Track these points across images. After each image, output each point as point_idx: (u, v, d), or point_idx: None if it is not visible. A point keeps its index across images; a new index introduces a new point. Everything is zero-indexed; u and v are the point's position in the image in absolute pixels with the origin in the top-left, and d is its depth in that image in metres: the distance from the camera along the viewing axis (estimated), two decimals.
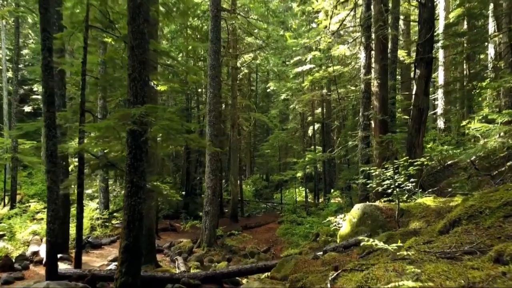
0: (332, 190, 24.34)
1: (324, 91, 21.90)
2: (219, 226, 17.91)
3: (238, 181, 22.20)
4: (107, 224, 14.23)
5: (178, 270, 10.91)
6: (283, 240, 16.01)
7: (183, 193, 25.65)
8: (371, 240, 2.77)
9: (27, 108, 29.88)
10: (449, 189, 10.88)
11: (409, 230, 5.97)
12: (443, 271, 2.74)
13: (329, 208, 15.79)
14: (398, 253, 3.98)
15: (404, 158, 7.41)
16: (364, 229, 7.39)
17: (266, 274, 7.65)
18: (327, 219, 9.38)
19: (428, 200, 7.66)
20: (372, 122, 12.19)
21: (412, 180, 7.97)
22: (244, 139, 34.80)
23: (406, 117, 19.54)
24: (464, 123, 19.42)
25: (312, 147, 26.72)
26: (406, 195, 8.28)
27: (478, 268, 2.71)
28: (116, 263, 10.65)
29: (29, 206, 17.30)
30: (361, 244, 6.62)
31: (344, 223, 8.14)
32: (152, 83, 9.79)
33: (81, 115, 8.07)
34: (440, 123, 22.38)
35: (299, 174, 20.41)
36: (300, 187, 27.50)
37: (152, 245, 10.42)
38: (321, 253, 7.74)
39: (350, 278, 3.56)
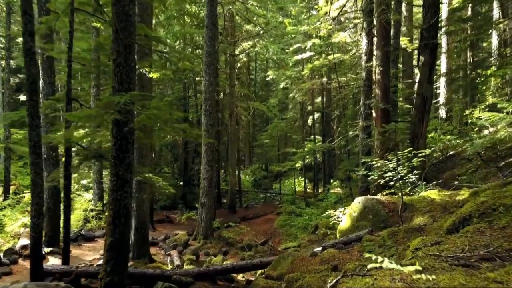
0: (331, 180, 24.02)
1: (324, 79, 21.40)
2: (217, 217, 17.60)
3: (236, 171, 21.85)
4: (101, 216, 13.88)
5: (171, 264, 10.61)
6: (281, 232, 15.71)
7: (181, 183, 25.33)
8: (379, 259, 2.35)
9: (23, 97, 29.37)
10: (455, 181, 10.52)
11: (413, 226, 5.59)
12: (460, 285, 2.35)
13: (329, 199, 15.45)
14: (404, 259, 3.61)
15: (408, 149, 7.01)
16: (365, 224, 7.03)
17: (261, 271, 7.32)
18: (327, 213, 9.02)
19: (433, 194, 7.29)
20: (374, 111, 11.77)
21: (415, 172, 7.59)
22: (243, 129, 34.36)
23: (408, 106, 19.12)
24: (467, 112, 19.06)
25: (312, 137, 26.33)
26: (409, 188, 7.90)
27: (502, 282, 2.32)
28: None
29: (23, 197, 16.96)
30: (362, 240, 6.27)
31: (344, 217, 7.78)
32: (144, 70, 9.34)
33: (67, 104, 7.62)
34: (442, 113, 21.94)
35: (298, 165, 20.05)
36: (300, 177, 27.17)
37: (145, 238, 10.08)
38: (320, 249, 7.39)
39: (351, 286, 3.18)
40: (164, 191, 8.64)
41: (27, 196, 16.90)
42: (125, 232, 5.54)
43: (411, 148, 7.13)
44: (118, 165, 5.52)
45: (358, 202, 7.38)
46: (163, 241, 12.79)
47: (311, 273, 5.17)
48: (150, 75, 9.20)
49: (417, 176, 7.72)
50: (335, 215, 8.63)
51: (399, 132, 6.32)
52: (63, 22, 8.52)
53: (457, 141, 17.47)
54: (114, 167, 5.52)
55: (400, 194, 7.89)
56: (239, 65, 27.93)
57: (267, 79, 32.15)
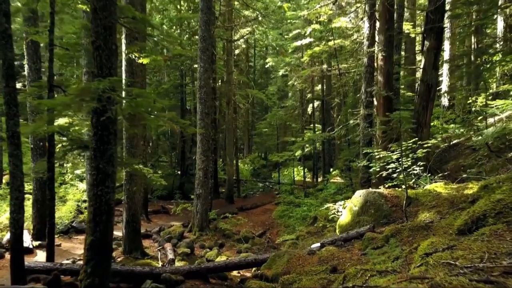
0: (331, 170, 23.60)
1: (324, 66, 20.81)
2: (214, 207, 17.22)
3: (234, 161, 21.42)
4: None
5: (165, 258, 10.24)
6: (279, 223, 15.35)
7: (179, 172, 24.93)
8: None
9: (18, 85, 28.82)
10: (460, 173, 10.09)
11: (419, 223, 5.17)
12: None
13: (328, 189, 15.06)
14: (413, 266, 3.18)
15: (413, 140, 6.56)
16: (366, 219, 6.61)
17: (255, 268, 6.94)
18: (326, 206, 8.61)
19: (439, 187, 6.86)
20: (375, 99, 11.28)
21: (419, 163, 7.16)
22: (241, 117, 33.84)
23: (411, 94, 18.59)
24: (471, 100, 18.54)
25: (311, 125, 25.84)
26: (413, 180, 7.46)
27: None
28: None
29: None
30: (364, 237, 5.86)
31: (344, 211, 7.36)
32: (133, 55, 8.82)
33: (50, 91, 7.15)
34: (445, 101, 21.43)
35: (298, 153, 19.59)
36: (299, 166, 26.76)
37: (137, 231, 9.69)
38: (318, 245, 7.00)
39: None
40: (156, 183, 8.19)
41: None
42: (107, 230, 5.12)
43: (416, 139, 6.67)
44: (98, 158, 5.06)
45: (359, 196, 6.95)
46: (157, 233, 12.42)
47: (308, 275, 4.76)
48: (140, 61, 8.68)
49: (422, 167, 7.29)
50: (334, 209, 8.21)
51: (404, 122, 5.84)
52: (46, 3, 8.00)
53: (461, 130, 17.01)
54: (94, 159, 5.07)
55: (403, 187, 7.48)
56: (237, 52, 27.30)
57: (266, 66, 31.47)
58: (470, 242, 3.38)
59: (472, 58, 20.94)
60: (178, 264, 7.63)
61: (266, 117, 26.95)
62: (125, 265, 6.75)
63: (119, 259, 9.33)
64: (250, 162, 31.73)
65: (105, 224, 5.10)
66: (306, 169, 25.05)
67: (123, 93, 6.17)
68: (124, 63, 9.37)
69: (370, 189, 6.99)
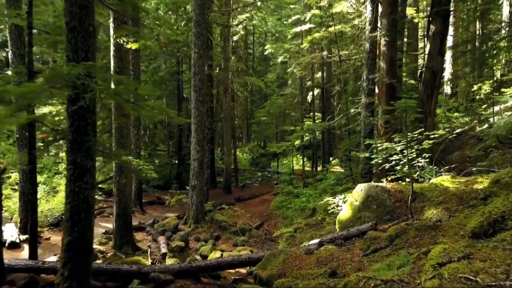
0: (331, 159, 23.18)
1: (324, 53, 20.21)
2: (211, 198, 16.84)
3: (232, 150, 20.99)
4: None
5: (156, 252, 9.88)
6: (277, 214, 14.98)
7: (176, 162, 24.53)
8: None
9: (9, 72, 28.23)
10: (466, 164, 9.65)
11: (426, 222, 4.74)
12: None
13: (327, 180, 14.64)
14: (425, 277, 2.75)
15: (419, 130, 6.10)
16: (368, 215, 6.19)
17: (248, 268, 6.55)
18: (325, 200, 8.19)
19: (446, 180, 6.42)
20: (377, 86, 10.78)
21: (424, 155, 6.72)
22: (240, 106, 33.30)
23: (413, 81, 18.05)
24: (475, 87, 17.99)
25: (311, 114, 25.32)
26: (417, 173, 7.01)
27: None
28: None
29: (9, 177, 16.15)
30: (366, 236, 5.45)
31: (344, 206, 6.94)
32: (121, 40, 8.31)
33: (29, 78, 6.65)
34: (447, 89, 20.91)
35: (297, 142, 19.11)
36: (298, 155, 26.33)
37: (128, 225, 9.30)
38: (316, 241, 6.60)
39: None
40: (146, 175, 7.77)
41: (14, 175, 16.08)
42: (86, 230, 4.69)
43: (422, 129, 6.21)
44: (75, 151, 4.61)
45: (360, 190, 6.52)
46: (151, 225, 12.04)
47: (305, 279, 4.35)
48: (129, 46, 8.17)
49: (427, 159, 6.86)
50: (334, 203, 7.79)
51: (410, 111, 5.39)
52: None
53: (465, 119, 16.47)
54: (71, 153, 4.62)
55: (408, 180, 7.04)
56: (235, 38, 26.61)
57: (265, 53, 30.81)
58: (489, 250, 2.94)
59: (477, 44, 20.36)
60: (169, 261, 7.25)
61: (265, 105, 26.41)
62: (112, 263, 6.36)
63: (109, 254, 8.98)
64: (249, 151, 31.29)
65: (84, 223, 4.68)
66: (305, 158, 24.63)
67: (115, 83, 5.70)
68: (112, 48, 8.86)
69: (372, 183, 6.56)
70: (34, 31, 7.11)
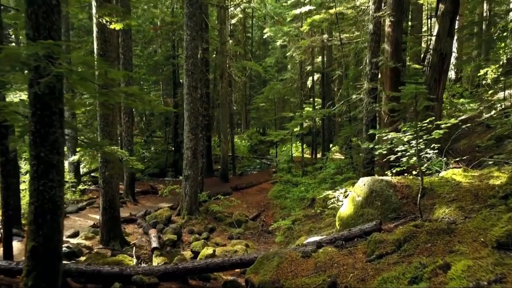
0: (331, 145, 22.59)
1: (325, 36, 19.41)
2: (208, 186, 16.34)
3: (229, 137, 20.39)
4: (74, 189, 12.54)
5: (147, 247, 9.39)
6: (275, 204, 14.48)
7: (173, 148, 23.95)
8: None
9: None
10: (476, 154, 9.09)
11: (439, 224, 4.18)
12: None
13: (327, 169, 14.09)
14: None
15: (429, 119, 5.50)
16: (371, 212, 5.64)
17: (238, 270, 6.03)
18: (324, 194, 7.64)
19: (457, 174, 5.85)
20: (380, 71, 10.15)
21: (433, 145, 6.12)
22: (239, 91, 32.56)
23: (417, 66, 17.33)
24: (482, 72, 17.29)
25: (311, 99, 24.61)
26: (425, 165, 6.41)
27: None
28: (75, 239, 9.10)
29: None
30: (369, 238, 4.90)
31: (346, 201, 6.38)
32: (104, 20, 7.64)
33: None
34: (451, 73, 20.19)
35: (296, 129, 18.43)
36: (297, 142, 25.74)
37: (116, 219, 8.77)
38: (315, 241, 6.06)
39: None
40: (132, 168, 7.21)
41: None
42: (53, 234, 4.14)
43: (433, 117, 5.60)
44: (39, 144, 4.02)
45: (363, 184, 5.95)
46: (143, 217, 11.53)
47: None
48: (112, 26, 7.51)
49: (436, 151, 6.26)
50: (333, 197, 7.23)
51: (421, 98, 4.78)
52: None
53: (471, 105, 15.80)
54: (34, 146, 4.03)
55: (415, 173, 6.47)
56: (234, 21, 25.75)
57: (264, 37, 29.95)
58: None
59: (484, 27, 19.59)
60: (156, 260, 6.74)
61: (263, 91, 25.68)
62: (92, 264, 5.85)
63: (95, 249, 8.49)
64: (248, 138, 30.66)
65: (51, 226, 4.12)
66: (305, 145, 24.00)
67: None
68: (95, 29, 8.19)
69: (377, 177, 5.99)
70: None
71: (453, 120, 5.56)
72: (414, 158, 5.94)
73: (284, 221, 10.59)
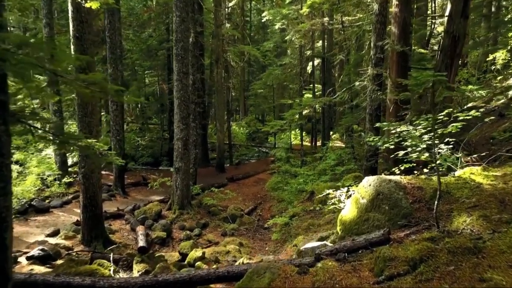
0: (331, 133, 21.86)
1: (326, 19, 18.44)
2: (203, 177, 15.69)
3: (226, 125, 19.64)
4: (59, 182, 11.83)
5: (133, 246, 8.75)
6: (272, 196, 13.83)
7: (168, 136, 23.22)
8: None
9: None
10: (490, 147, 8.35)
11: (461, 241, 3.46)
12: None
13: (327, 160, 13.38)
14: None
15: (447, 111, 4.75)
16: (378, 217, 4.94)
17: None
18: (323, 193, 6.93)
19: (476, 173, 5.13)
20: (387, 55, 9.33)
21: (447, 140, 5.40)
22: (237, 77, 31.64)
23: (422, 50, 16.46)
24: (491, 57, 16.44)
25: (311, 85, 23.76)
26: (438, 161, 5.67)
27: None
28: (54, 239, 8.43)
29: None
30: (377, 253, 4.21)
31: (348, 203, 5.67)
32: None
33: None
34: None
35: (296, 117, 17.61)
36: (296, 129, 24.99)
37: (98, 217, 8.09)
38: (314, 248, 5.40)
39: None
40: (110, 161, 6.48)
41: None
42: None
43: (450, 109, 4.86)
44: None
45: (368, 185, 5.24)
46: (131, 212, 10.86)
47: None
48: (88, 5, 6.69)
49: (451, 146, 5.53)
50: (334, 196, 6.52)
51: (441, 87, 4.04)
52: None
53: (480, 92, 14.99)
54: None
55: (426, 171, 5.75)
56: (231, 4, 24.70)
57: (263, 20, 28.90)
58: None
59: (493, 9, 18.65)
60: (136, 268, 6.07)
61: (261, 76, 24.78)
62: (61, 275, 5.17)
63: (75, 250, 7.85)
64: (246, 125, 29.87)
65: None
66: (304, 132, 23.26)
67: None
68: (70, 8, 7.37)
69: (383, 176, 5.26)
70: None
71: (474, 112, 4.81)
72: (426, 154, 5.24)
73: (281, 218, 9.92)
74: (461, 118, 4.97)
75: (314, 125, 22.92)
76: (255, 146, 26.33)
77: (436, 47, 19.60)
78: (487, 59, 17.29)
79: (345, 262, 4.25)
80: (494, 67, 17.47)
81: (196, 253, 7.18)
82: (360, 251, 4.43)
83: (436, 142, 5.17)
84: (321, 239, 7.22)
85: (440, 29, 17.92)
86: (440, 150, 5.56)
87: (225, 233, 10.14)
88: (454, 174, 5.36)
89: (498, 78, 15.85)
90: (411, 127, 5.14)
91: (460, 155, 5.69)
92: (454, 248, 3.37)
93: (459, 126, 4.94)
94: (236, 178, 16.28)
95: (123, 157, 14.06)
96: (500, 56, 15.90)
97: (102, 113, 18.97)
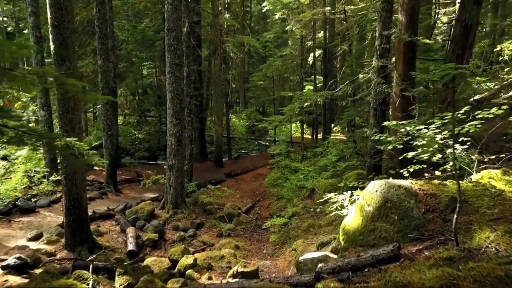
0: (332, 125, 21.27)
1: (327, 8, 17.73)
2: (200, 172, 15.18)
3: (224, 118, 19.04)
4: (48, 180, 11.28)
5: (122, 249, 8.24)
6: (272, 193, 13.30)
7: (165, 128, 22.63)
8: None
9: None
10: (502, 144, 7.80)
11: (489, 267, 2.91)
12: None
13: (328, 156, 12.80)
14: None
15: (466, 108, 4.18)
16: (385, 228, 4.39)
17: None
18: (324, 197, 6.37)
19: (496, 178, 4.56)
20: (394, 45, 8.70)
21: (461, 139, 4.83)
22: (237, 68, 30.95)
23: (427, 41, 15.79)
24: (498, 47, 15.79)
25: (312, 77, 23.10)
26: (450, 164, 5.10)
27: None
28: (36, 243, 7.91)
29: None
30: (387, 276, 3.64)
31: (352, 210, 5.11)
32: None
33: None
34: None
35: (296, 111, 17.03)
36: (297, 122, 24.36)
37: (83, 220, 7.55)
38: (315, 258, 4.88)
39: None
40: (90, 162, 5.93)
41: None
42: None
43: (469, 107, 4.27)
44: None
45: (375, 191, 4.68)
46: (122, 212, 10.33)
47: None
48: None
49: (466, 146, 4.96)
50: (337, 201, 5.97)
51: (462, 81, 3.45)
52: None
53: (488, 84, 14.35)
54: None
55: (438, 173, 5.18)
56: None
57: (263, 10, 28.13)
58: None
59: None
60: (118, 281, 5.53)
61: (261, 68, 24.11)
62: None
63: (58, 255, 7.34)
64: (246, 117, 29.24)
65: None
66: (305, 124, 22.60)
67: None
68: None
69: (391, 181, 4.69)
70: None
71: (495, 110, 4.23)
72: (439, 155, 4.68)
73: (280, 219, 9.39)
74: (480, 116, 4.41)
75: (315, 118, 22.32)
76: (255, 139, 25.75)
77: (439, 38, 18.92)
78: (494, 49, 16.64)
79: (349, 284, 3.71)
80: (501, 58, 16.82)
81: (187, 260, 6.65)
82: (366, 269, 3.88)
83: (450, 142, 4.61)
84: (322, 245, 6.69)
85: (444, 19, 17.24)
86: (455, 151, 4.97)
87: (221, 234, 9.63)
88: (470, 178, 4.79)
89: (506, 69, 15.23)
90: (422, 126, 4.57)
91: (476, 156, 5.11)
92: (481, 277, 2.82)
93: (479, 126, 4.39)
94: (234, 173, 15.74)
95: (115, 153, 13.59)
96: (508, 46, 15.27)
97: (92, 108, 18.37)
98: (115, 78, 15.52)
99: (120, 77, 20.68)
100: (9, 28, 27.61)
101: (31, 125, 14.87)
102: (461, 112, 4.15)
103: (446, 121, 4.32)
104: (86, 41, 16.36)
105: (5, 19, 27.26)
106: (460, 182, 4.74)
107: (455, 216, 3.59)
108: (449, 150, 4.50)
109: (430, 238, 4.02)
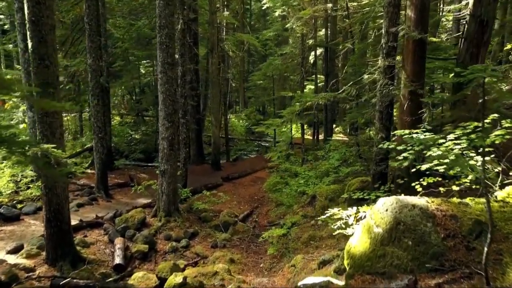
0: (334, 126, 20.71)
1: (329, 5, 17.10)
2: (196, 175, 14.64)
3: (222, 119, 18.44)
4: (32, 185, 10.70)
5: (109, 263, 7.67)
6: (271, 198, 12.72)
7: None
8: None
9: None
10: None
11: None
12: None
13: (330, 160, 12.21)
14: None
15: (492, 116, 3.59)
16: (398, 254, 3.79)
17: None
18: (327, 213, 5.78)
19: None
20: (398, 44, 8.10)
21: (481, 149, 4.22)
22: (237, 67, 30.38)
23: (434, 39, 15.17)
24: (509, 46, 15.27)
25: (313, 76, 22.48)
26: (469, 177, 4.49)
27: None
28: (15, 256, 7.35)
29: None
30: None
31: (358, 230, 4.51)
32: None
33: None
34: None
35: (296, 110, 16.41)
36: (297, 123, 23.73)
37: (65, 232, 6.98)
38: (314, 284, 4.27)
39: None
40: (74, 172, 5.35)
41: None
42: None
43: (496, 115, 3.68)
44: None
45: (385, 210, 4.08)
46: (111, 220, 9.74)
47: None
48: None
49: (491, 157, 4.37)
50: (341, 218, 5.37)
51: (495, 87, 2.77)
52: None
53: (498, 84, 13.75)
54: None
55: (455, 189, 4.58)
56: None
57: (264, 8, 27.50)
58: None
59: None
60: None
61: (260, 67, 23.51)
62: None
63: (38, 271, 6.77)
64: (246, 118, 28.64)
65: None
66: (305, 125, 21.98)
67: None
68: None
69: (404, 200, 4.08)
70: None
71: None
72: (458, 169, 4.09)
73: (278, 230, 8.81)
74: (507, 125, 3.82)
75: (315, 117, 21.69)
76: (255, 140, 25.16)
77: (443, 36, 18.28)
78: (504, 48, 16.06)
79: None
80: (511, 57, 16.24)
81: (176, 278, 6.07)
82: None
83: (473, 154, 4.04)
84: (323, 263, 6.12)
85: (449, 17, 16.66)
86: (474, 162, 4.37)
87: (216, 245, 9.06)
88: (496, 196, 4.19)
89: None
90: (442, 136, 3.98)
91: (499, 169, 4.51)
92: None
93: (506, 137, 3.80)
94: (232, 177, 15.17)
95: (107, 156, 13.01)
96: None
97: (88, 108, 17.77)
98: (108, 77, 14.95)
99: (116, 76, 20.09)
100: (6, 26, 27.12)
101: (21, 126, 14.26)
102: (487, 120, 3.55)
103: (468, 130, 3.75)
104: (78, 39, 15.77)
105: (1, 16, 26.71)
106: (481, 199, 4.15)
107: (486, 247, 2.99)
108: (471, 162, 3.93)
109: (451, 270, 3.43)
